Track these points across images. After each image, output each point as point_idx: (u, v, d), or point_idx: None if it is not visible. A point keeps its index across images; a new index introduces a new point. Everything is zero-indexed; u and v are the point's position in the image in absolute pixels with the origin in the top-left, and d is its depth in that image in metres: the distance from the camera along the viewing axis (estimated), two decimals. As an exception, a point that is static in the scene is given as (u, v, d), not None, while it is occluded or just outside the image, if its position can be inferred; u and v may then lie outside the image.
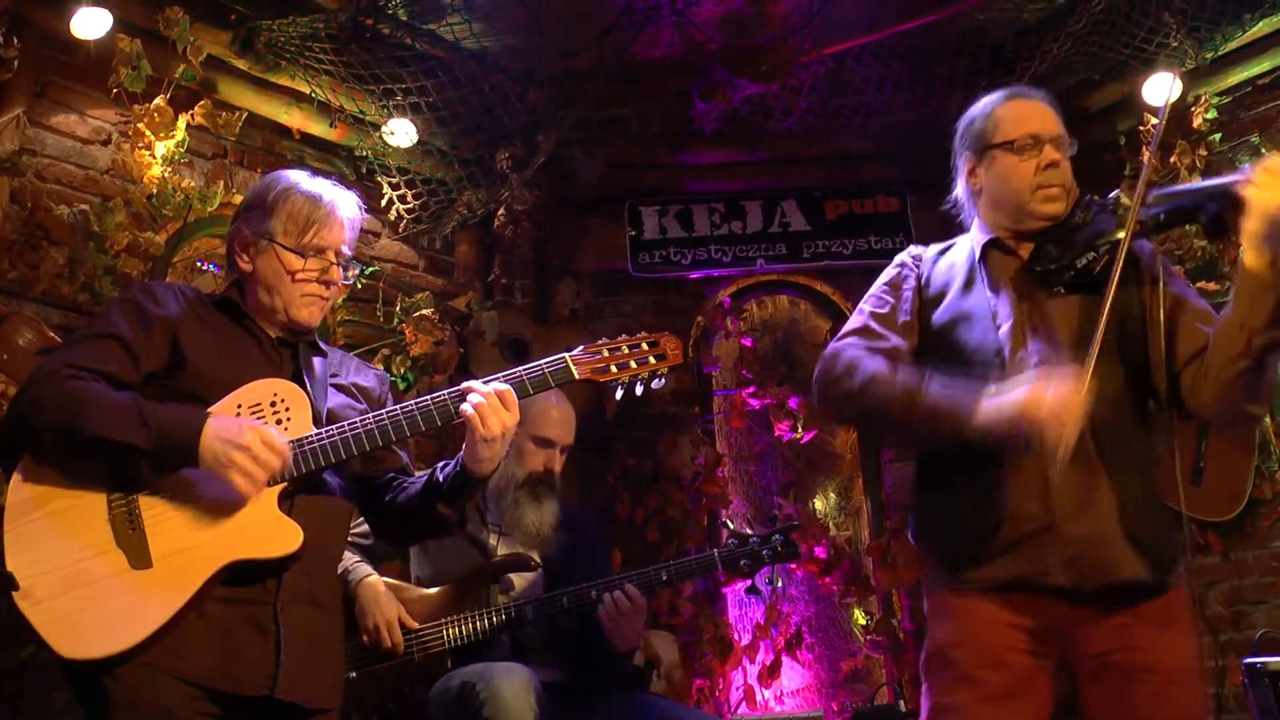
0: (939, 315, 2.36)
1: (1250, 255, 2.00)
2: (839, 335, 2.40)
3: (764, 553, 3.24)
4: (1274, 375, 2.12)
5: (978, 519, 2.19)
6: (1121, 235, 2.14)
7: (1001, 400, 2.06)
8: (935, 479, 2.36)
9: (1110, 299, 2.08)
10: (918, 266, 2.46)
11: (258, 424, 2.07)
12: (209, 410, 2.12)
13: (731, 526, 3.44)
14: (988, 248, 2.37)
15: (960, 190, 2.48)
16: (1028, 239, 2.34)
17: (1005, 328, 2.26)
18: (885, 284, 2.46)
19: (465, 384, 2.22)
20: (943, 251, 2.48)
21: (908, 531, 2.49)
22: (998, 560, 2.17)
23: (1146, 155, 2.18)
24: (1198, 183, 2.20)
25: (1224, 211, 2.07)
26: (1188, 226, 2.22)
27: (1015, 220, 2.33)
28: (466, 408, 2.17)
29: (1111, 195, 2.28)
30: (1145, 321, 2.23)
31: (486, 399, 2.17)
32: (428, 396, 2.25)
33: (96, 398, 2.04)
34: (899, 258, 2.50)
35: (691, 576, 3.29)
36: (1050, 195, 2.29)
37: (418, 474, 2.40)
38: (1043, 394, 2.00)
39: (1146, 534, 2.14)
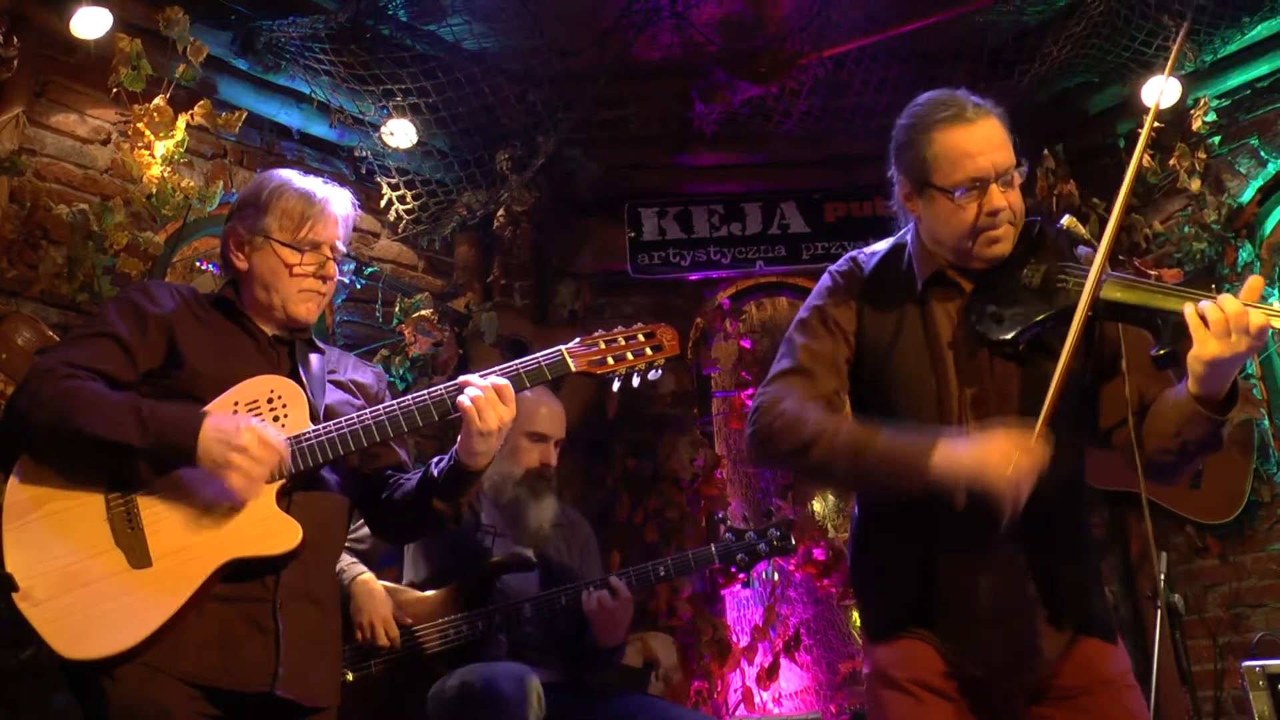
0: (876, 367, 2.21)
1: (1190, 384, 1.94)
2: (771, 375, 2.23)
3: (760, 547, 3.25)
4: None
5: (903, 597, 2.17)
6: (1061, 308, 2.04)
7: (959, 455, 1.95)
8: (871, 541, 2.29)
9: (1058, 381, 1.97)
10: (853, 291, 2.26)
11: (254, 422, 2.07)
12: (205, 409, 2.12)
13: (729, 522, 3.44)
14: (929, 284, 2.20)
15: (896, 205, 2.28)
16: (970, 276, 2.18)
17: (943, 391, 2.15)
18: (818, 309, 2.26)
19: (462, 378, 2.23)
20: (881, 266, 2.27)
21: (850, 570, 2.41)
22: (921, 633, 2.15)
23: (1106, 232, 2.05)
24: (1156, 287, 2.01)
25: (1180, 342, 1.94)
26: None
27: (956, 258, 2.17)
28: (464, 400, 2.17)
29: (1061, 227, 2.16)
30: (1086, 375, 2.15)
31: (484, 392, 2.17)
32: (424, 391, 2.25)
33: (93, 396, 2.04)
34: (832, 275, 2.31)
35: (689, 571, 3.30)
36: (993, 238, 2.10)
37: (414, 470, 2.41)
38: (1006, 456, 1.91)
39: (1077, 616, 2.13)
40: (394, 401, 2.26)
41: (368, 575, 3.13)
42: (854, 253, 2.34)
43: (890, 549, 2.21)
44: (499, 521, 3.32)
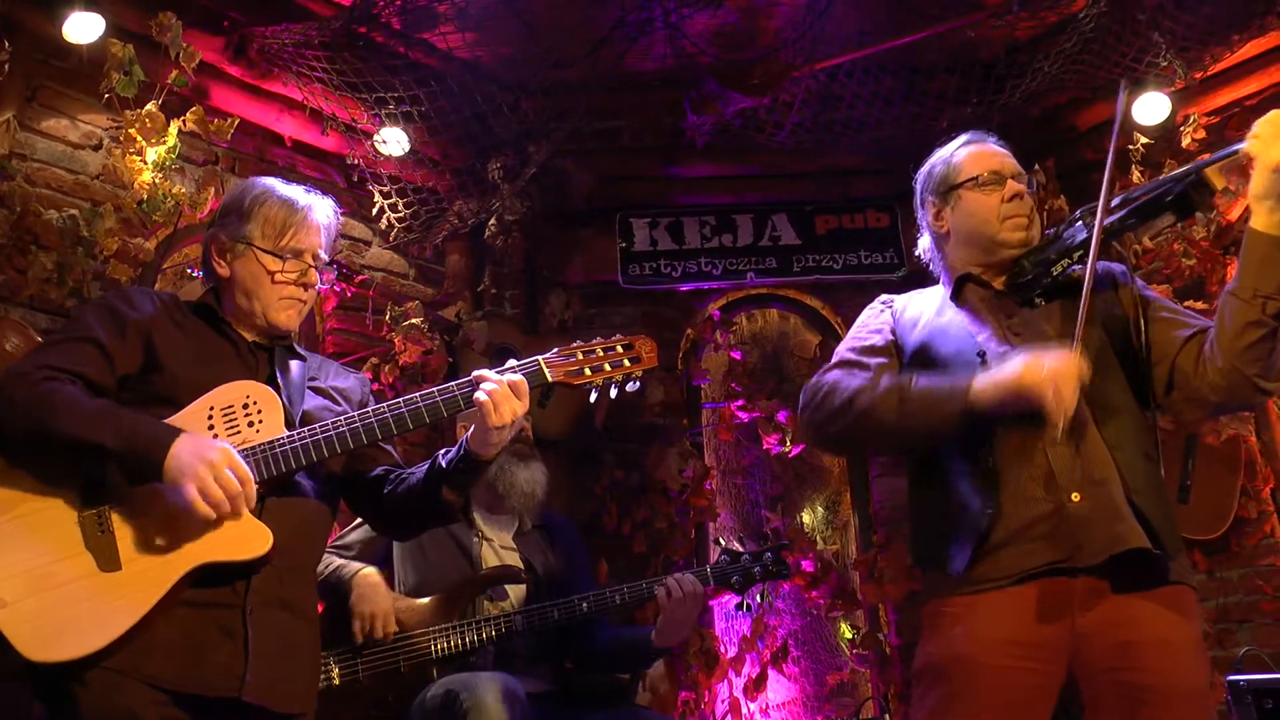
0: (917, 336, 2.39)
1: (1259, 215, 2.02)
2: (820, 371, 2.43)
3: (755, 570, 3.24)
4: None
5: (979, 510, 2.16)
6: (1081, 241, 2.21)
7: (996, 375, 2.10)
8: (929, 482, 2.34)
9: (1091, 272, 2.11)
10: (892, 305, 2.52)
11: (229, 447, 2.07)
12: (180, 413, 2.12)
13: (723, 543, 3.44)
14: (961, 282, 2.41)
15: (927, 239, 2.54)
16: (1000, 272, 2.38)
17: (984, 335, 2.29)
18: (861, 323, 2.52)
19: (477, 373, 2.25)
20: (910, 297, 2.53)
21: (909, 553, 2.47)
22: (1003, 551, 2.15)
23: (1110, 151, 2.28)
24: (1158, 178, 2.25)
25: (1189, 191, 2.12)
26: (1163, 220, 2.27)
27: (986, 253, 2.38)
28: (480, 396, 2.20)
29: (1077, 212, 2.32)
30: (1127, 322, 2.27)
31: (500, 387, 2.20)
32: (435, 389, 2.27)
33: (69, 399, 2.04)
34: (873, 303, 2.56)
35: None
36: (1018, 224, 2.35)
37: (413, 466, 2.41)
38: (1039, 363, 2.03)
39: (1151, 510, 2.12)
40: (400, 400, 2.26)
41: (370, 570, 3.13)
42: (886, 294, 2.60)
43: (954, 468, 2.25)
44: (492, 498, 3.32)
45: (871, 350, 2.40)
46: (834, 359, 2.44)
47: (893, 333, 2.45)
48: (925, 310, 2.44)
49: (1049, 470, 2.14)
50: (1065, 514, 2.11)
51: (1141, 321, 2.24)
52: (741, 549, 3.31)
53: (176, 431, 2.06)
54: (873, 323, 2.49)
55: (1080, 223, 2.27)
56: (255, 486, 2.07)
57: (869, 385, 2.25)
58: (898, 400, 2.20)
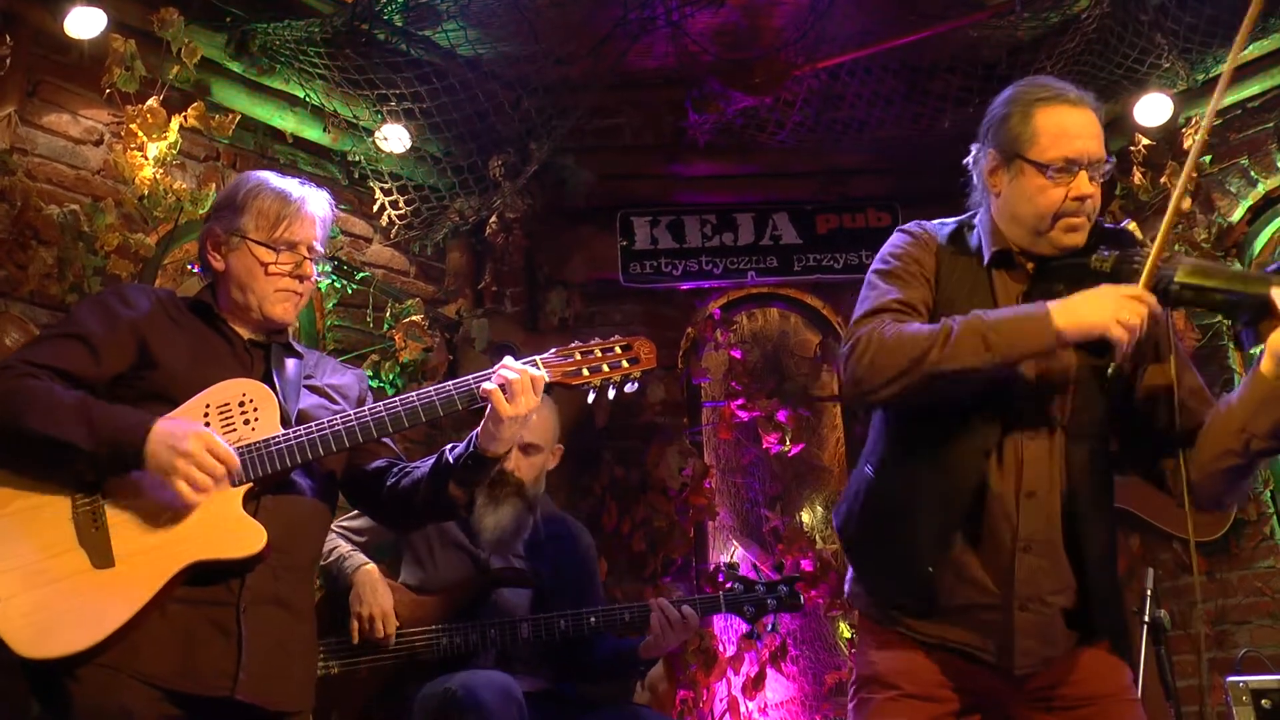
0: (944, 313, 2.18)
1: (1269, 364, 1.93)
2: (855, 319, 2.18)
3: (769, 601, 3.23)
4: (1255, 475, 2.07)
5: (928, 572, 2.10)
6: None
7: (1078, 313, 1.96)
8: (891, 509, 2.21)
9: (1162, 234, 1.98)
10: (931, 246, 2.25)
11: (204, 429, 2.07)
12: (175, 411, 2.12)
13: (737, 568, 3.41)
14: (994, 261, 2.20)
15: (975, 175, 2.28)
16: (1034, 258, 2.19)
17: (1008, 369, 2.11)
18: (901, 254, 2.25)
19: (505, 362, 2.23)
20: (951, 236, 2.27)
21: (840, 540, 2.34)
22: (939, 622, 2.12)
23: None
24: (1238, 272, 2.08)
25: (1260, 322, 1.96)
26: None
27: (1029, 241, 2.17)
28: (489, 385, 2.18)
29: (1123, 228, 2.17)
30: (1133, 387, 2.15)
31: (522, 376, 2.18)
32: (414, 393, 2.25)
33: (43, 396, 2.04)
34: (908, 231, 2.29)
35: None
36: (1072, 226, 2.11)
37: (419, 460, 2.40)
38: (1120, 307, 1.93)
39: (1104, 615, 2.13)
40: (396, 398, 2.25)
41: (371, 565, 3.13)
42: (918, 222, 2.31)
43: (921, 512, 2.14)
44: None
45: (910, 304, 2.16)
46: (867, 301, 2.20)
47: (934, 283, 2.21)
48: (961, 281, 2.21)
49: (1010, 569, 2.08)
50: (1008, 622, 2.08)
51: (1169, 379, 2.09)
52: (756, 577, 3.30)
53: (149, 421, 2.05)
54: (916, 257, 2.23)
55: (1139, 268, 2.04)
56: (238, 460, 2.09)
57: (939, 330, 2.02)
58: (980, 337, 1.98)
